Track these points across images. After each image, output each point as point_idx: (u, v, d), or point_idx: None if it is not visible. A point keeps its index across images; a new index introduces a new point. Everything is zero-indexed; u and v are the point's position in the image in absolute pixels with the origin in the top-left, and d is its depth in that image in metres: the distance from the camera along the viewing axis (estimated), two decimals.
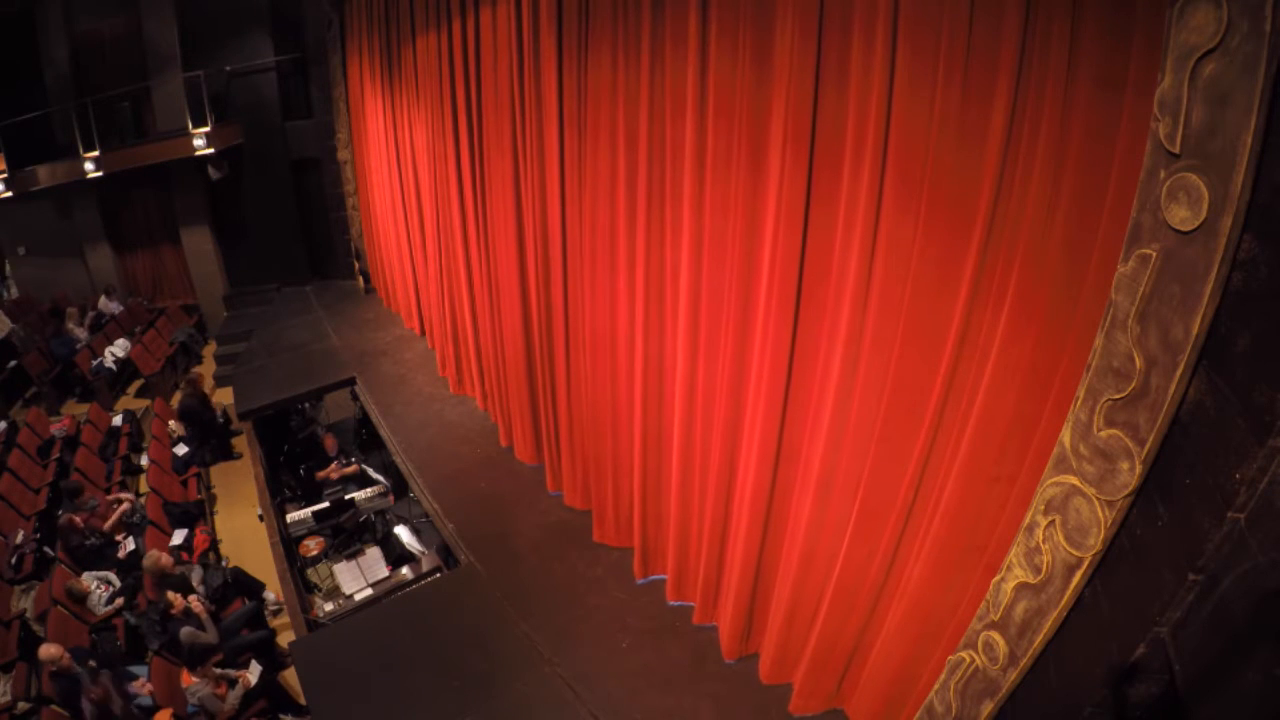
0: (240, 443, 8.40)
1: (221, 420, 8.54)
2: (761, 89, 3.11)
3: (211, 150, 9.56)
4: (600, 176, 4.28)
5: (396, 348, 8.67)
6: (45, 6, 10.26)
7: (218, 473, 8.27)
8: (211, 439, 8.32)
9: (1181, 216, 1.54)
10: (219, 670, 4.97)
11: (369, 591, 5.48)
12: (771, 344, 3.34)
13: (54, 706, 4.62)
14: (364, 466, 7.23)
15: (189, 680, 4.75)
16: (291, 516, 6.58)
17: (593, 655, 4.20)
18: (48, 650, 4.73)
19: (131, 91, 10.27)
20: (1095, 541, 1.84)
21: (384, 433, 7.00)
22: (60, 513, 6.70)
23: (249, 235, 11.18)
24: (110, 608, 5.83)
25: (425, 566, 5.70)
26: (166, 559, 5.68)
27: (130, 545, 6.47)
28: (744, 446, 3.74)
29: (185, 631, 5.14)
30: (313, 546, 6.35)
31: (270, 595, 6.07)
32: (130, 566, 6.24)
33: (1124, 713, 1.77)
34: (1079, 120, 2.08)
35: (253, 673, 5.02)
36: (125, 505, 6.87)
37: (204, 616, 5.23)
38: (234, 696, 4.86)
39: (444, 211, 6.86)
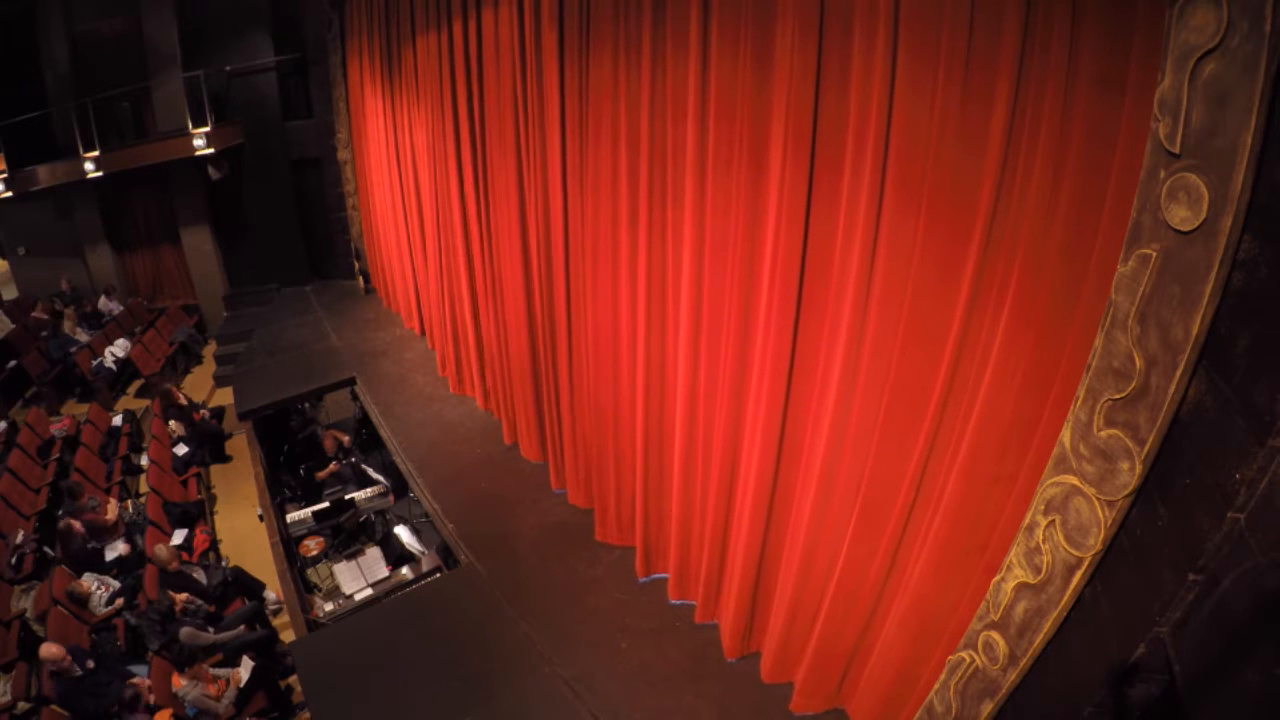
0: (239, 443, 8.40)
1: (213, 421, 8.55)
2: (762, 90, 3.12)
3: (211, 150, 9.55)
4: (602, 177, 4.28)
5: (396, 348, 8.66)
6: (45, 6, 10.26)
7: (217, 473, 8.27)
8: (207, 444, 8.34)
9: (1181, 216, 1.54)
10: (212, 670, 4.96)
11: (369, 591, 5.48)
12: (773, 344, 3.34)
13: (54, 707, 4.63)
14: (364, 466, 7.23)
15: (178, 682, 4.73)
16: (291, 516, 6.57)
17: (593, 655, 4.20)
18: (48, 650, 4.72)
19: (131, 91, 10.25)
20: (1095, 541, 1.84)
21: (384, 433, 6.99)
22: (60, 513, 6.70)
23: (249, 235, 11.17)
24: (110, 608, 5.83)
25: (425, 566, 5.70)
26: (173, 558, 5.70)
27: (123, 549, 6.45)
28: (746, 445, 3.74)
29: (186, 631, 5.14)
30: (313, 546, 6.34)
31: (270, 595, 6.07)
32: (130, 567, 6.24)
33: (1124, 713, 1.77)
34: (1079, 120, 2.08)
35: (244, 669, 5.00)
36: (120, 505, 6.89)
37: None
38: (229, 696, 4.86)
39: (444, 212, 6.86)
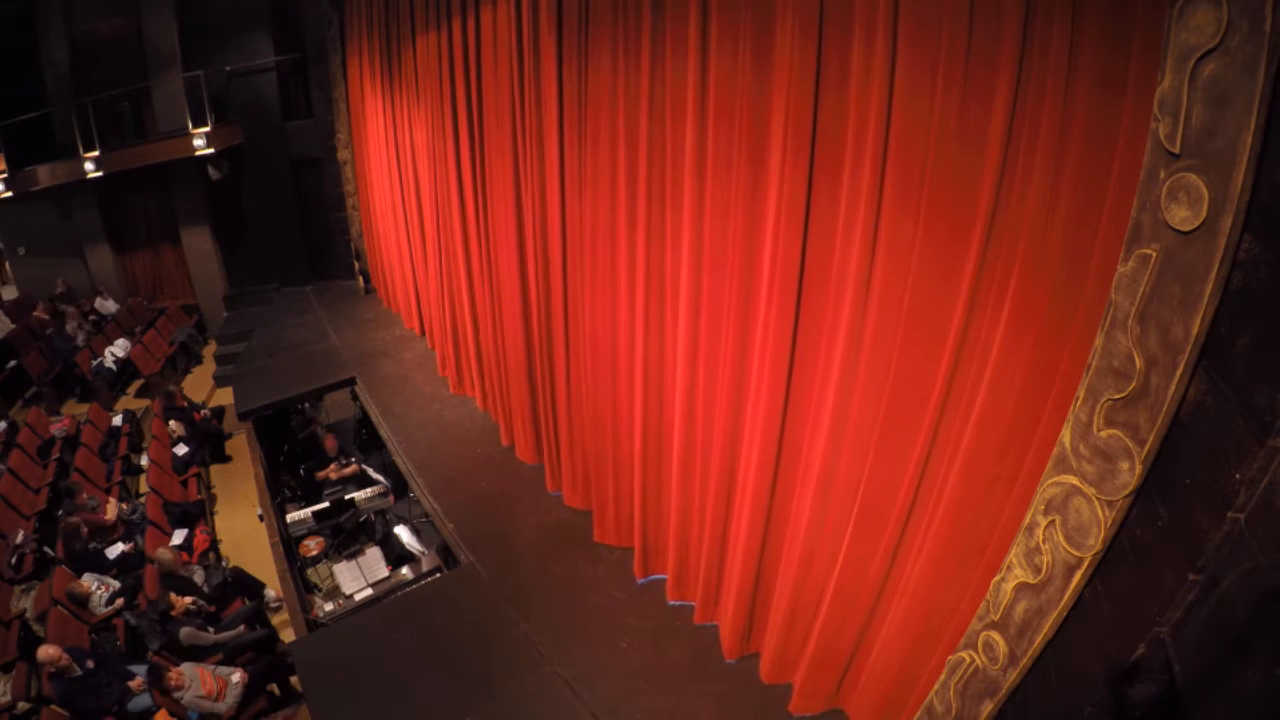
0: (239, 443, 8.40)
1: (213, 421, 8.55)
2: (762, 90, 3.11)
3: (211, 150, 9.56)
4: (600, 177, 4.28)
5: (396, 348, 8.66)
6: (45, 6, 10.26)
7: (217, 473, 8.27)
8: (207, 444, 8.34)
9: (1181, 216, 1.54)
10: (212, 670, 4.93)
11: (369, 591, 5.48)
12: (772, 344, 3.34)
13: (54, 707, 4.62)
14: (364, 467, 7.23)
15: (178, 676, 4.66)
16: (291, 516, 6.58)
17: (592, 655, 4.20)
18: (46, 652, 4.72)
19: (131, 91, 10.26)
20: (1095, 541, 1.84)
21: (384, 433, 6.99)
22: (60, 513, 6.69)
23: (249, 235, 11.18)
24: (110, 608, 5.83)
25: (425, 566, 5.70)
26: (177, 557, 5.70)
27: (122, 547, 6.45)
28: (744, 446, 3.74)
29: (186, 631, 5.14)
30: (313, 546, 6.34)
31: (270, 593, 6.07)
32: (130, 566, 6.24)
33: (1124, 713, 1.77)
34: (1079, 120, 2.08)
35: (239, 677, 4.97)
36: (119, 505, 6.88)
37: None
38: (233, 694, 4.84)
39: (444, 212, 6.86)
